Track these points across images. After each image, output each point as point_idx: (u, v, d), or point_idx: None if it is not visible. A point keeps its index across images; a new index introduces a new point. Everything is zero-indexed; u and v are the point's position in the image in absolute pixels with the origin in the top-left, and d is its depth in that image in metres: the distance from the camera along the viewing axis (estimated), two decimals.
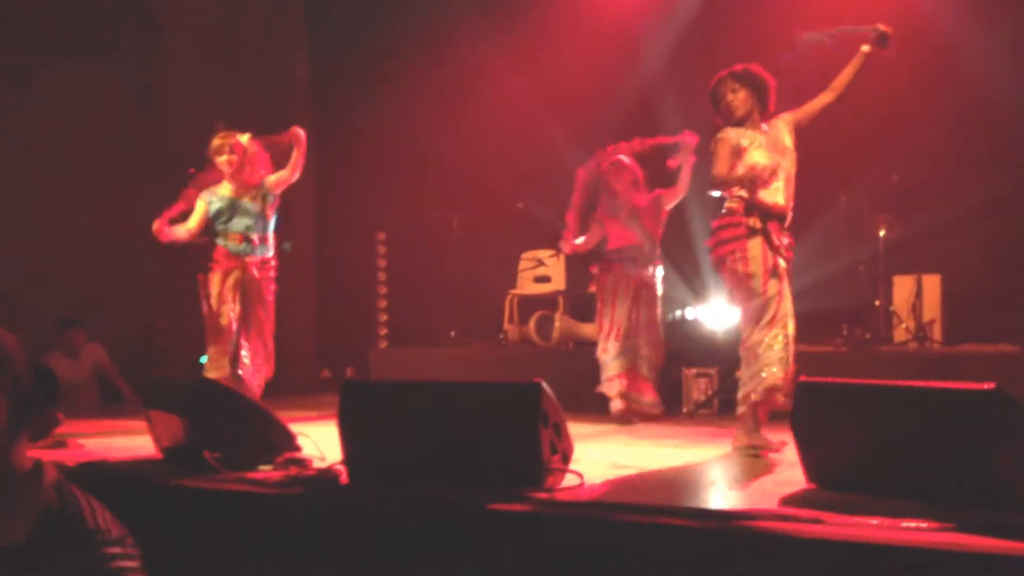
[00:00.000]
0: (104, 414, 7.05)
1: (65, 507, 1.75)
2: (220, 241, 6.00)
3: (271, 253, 6.12)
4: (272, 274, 6.12)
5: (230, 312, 5.91)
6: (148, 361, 8.53)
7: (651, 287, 6.43)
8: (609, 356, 6.32)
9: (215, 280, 5.96)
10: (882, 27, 4.86)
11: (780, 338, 4.66)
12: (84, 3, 8.56)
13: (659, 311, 6.49)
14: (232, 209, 5.98)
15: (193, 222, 6.04)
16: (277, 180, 6.10)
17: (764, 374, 4.64)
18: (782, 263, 4.76)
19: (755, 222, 4.73)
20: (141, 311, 8.66)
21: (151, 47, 9.08)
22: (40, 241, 8.19)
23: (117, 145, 8.61)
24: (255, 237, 6.01)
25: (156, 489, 3.97)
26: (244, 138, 6.05)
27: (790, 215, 4.86)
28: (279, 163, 6.17)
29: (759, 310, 4.69)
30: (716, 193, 4.90)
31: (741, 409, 4.76)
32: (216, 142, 6.01)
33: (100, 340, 8.35)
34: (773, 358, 4.63)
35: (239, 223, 5.99)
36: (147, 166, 8.22)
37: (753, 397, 4.69)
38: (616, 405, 6.22)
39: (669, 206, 6.47)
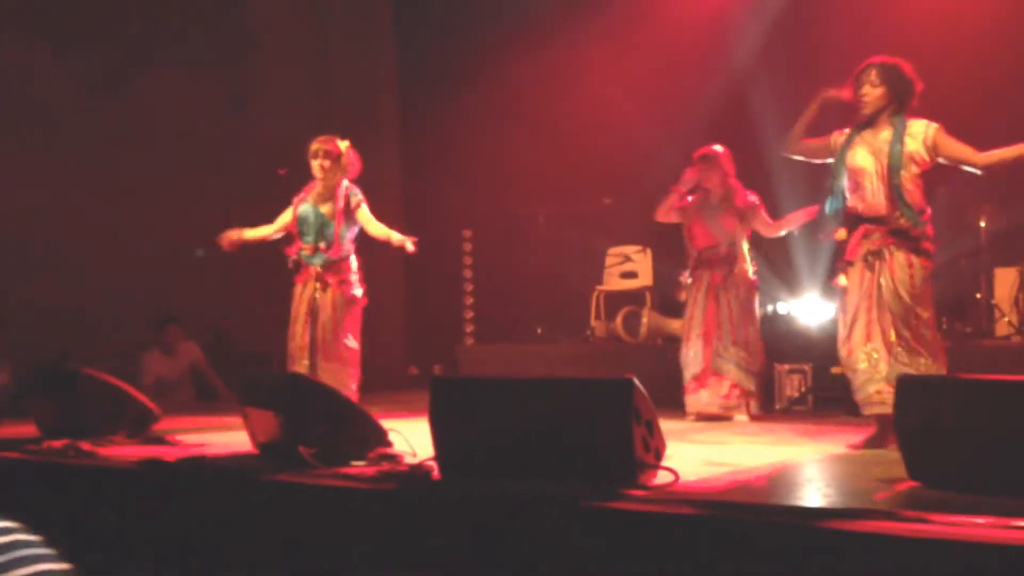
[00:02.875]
0: (200, 410, 7.21)
1: None
2: (301, 253, 5.99)
3: (346, 254, 5.96)
4: (350, 276, 5.97)
5: (300, 330, 5.89)
6: (217, 358, 8.67)
7: (732, 287, 6.27)
8: (684, 362, 6.26)
9: (295, 295, 5.94)
10: None
11: (863, 358, 4.60)
12: (177, 10, 8.75)
13: (751, 311, 6.31)
14: (311, 216, 5.95)
15: (272, 227, 6.04)
16: (366, 218, 5.98)
17: (865, 393, 4.63)
18: (861, 276, 4.66)
19: (841, 233, 4.69)
20: (222, 309, 8.83)
21: (243, 52, 9.25)
22: (133, 242, 8.41)
23: (210, 148, 8.81)
24: (323, 245, 5.92)
25: (253, 484, 4.04)
26: (343, 144, 6.03)
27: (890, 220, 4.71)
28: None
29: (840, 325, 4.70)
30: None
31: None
32: (314, 146, 6.00)
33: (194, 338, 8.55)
34: (862, 378, 4.61)
35: (312, 232, 5.91)
36: (240, 168, 8.40)
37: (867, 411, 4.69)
38: (688, 415, 6.19)
39: (757, 227, 6.35)
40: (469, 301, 9.41)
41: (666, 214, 6.44)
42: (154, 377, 8.21)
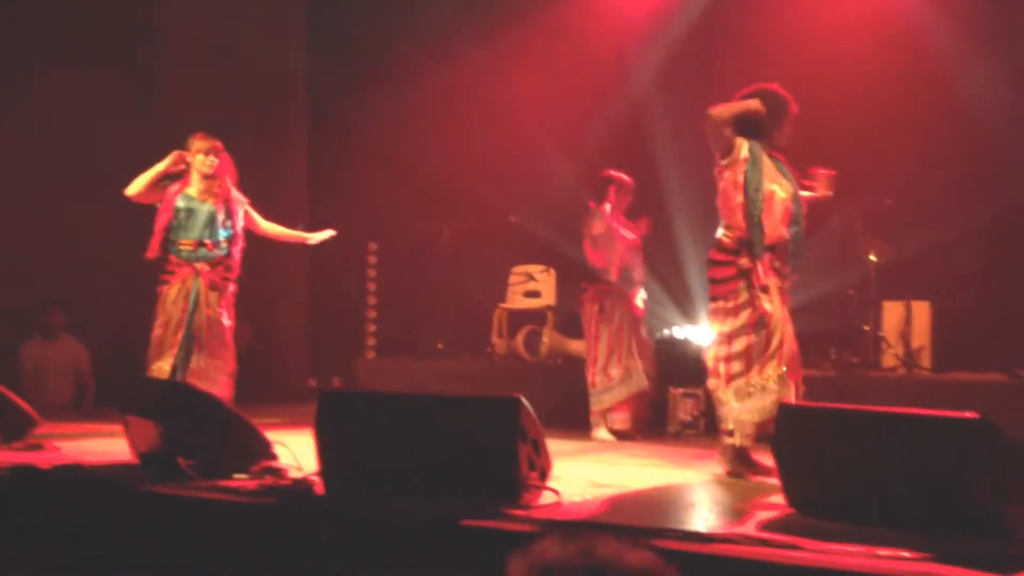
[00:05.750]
0: (84, 417, 7.01)
1: None
2: (173, 250, 5.87)
3: (228, 253, 5.91)
4: (233, 276, 5.94)
5: (175, 327, 5.81)
6: (126, 365, 8.41)
7: None
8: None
9: (171, 294, 5.82)
10: None
11: (774, 377, 4.56)
12: (84, 6, 8.54)
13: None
14: (191, 214, 5.88)
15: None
16: (257, 218, 6.10)
17: (749, 417, 4.49)
18: (770, 302, 4.62)
19: (745, 261, 4.57)
20: (126, 314, 8.56)
21: (150, 50, 9.05)
22: (34, 241, 8.14)
23: (116, 148, 8.57)
24: (208, 242, 5.87)
25: (130, 495, 3.93)
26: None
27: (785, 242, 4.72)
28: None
29: (747, 350, 4.54)
30: None
31: (729, 441, 4.58)
32: (203, 143, 5.93)
33: (85, 340, 8.26)
34: (767, 400, 4.47)
35: (194, 229, 5.86)
36: (144, 168, 8.15)
37: (740, 441, 4.54)
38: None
39: None
40: (372, 314, 9.33)
41: None
42: (33, 363, 7.93)
